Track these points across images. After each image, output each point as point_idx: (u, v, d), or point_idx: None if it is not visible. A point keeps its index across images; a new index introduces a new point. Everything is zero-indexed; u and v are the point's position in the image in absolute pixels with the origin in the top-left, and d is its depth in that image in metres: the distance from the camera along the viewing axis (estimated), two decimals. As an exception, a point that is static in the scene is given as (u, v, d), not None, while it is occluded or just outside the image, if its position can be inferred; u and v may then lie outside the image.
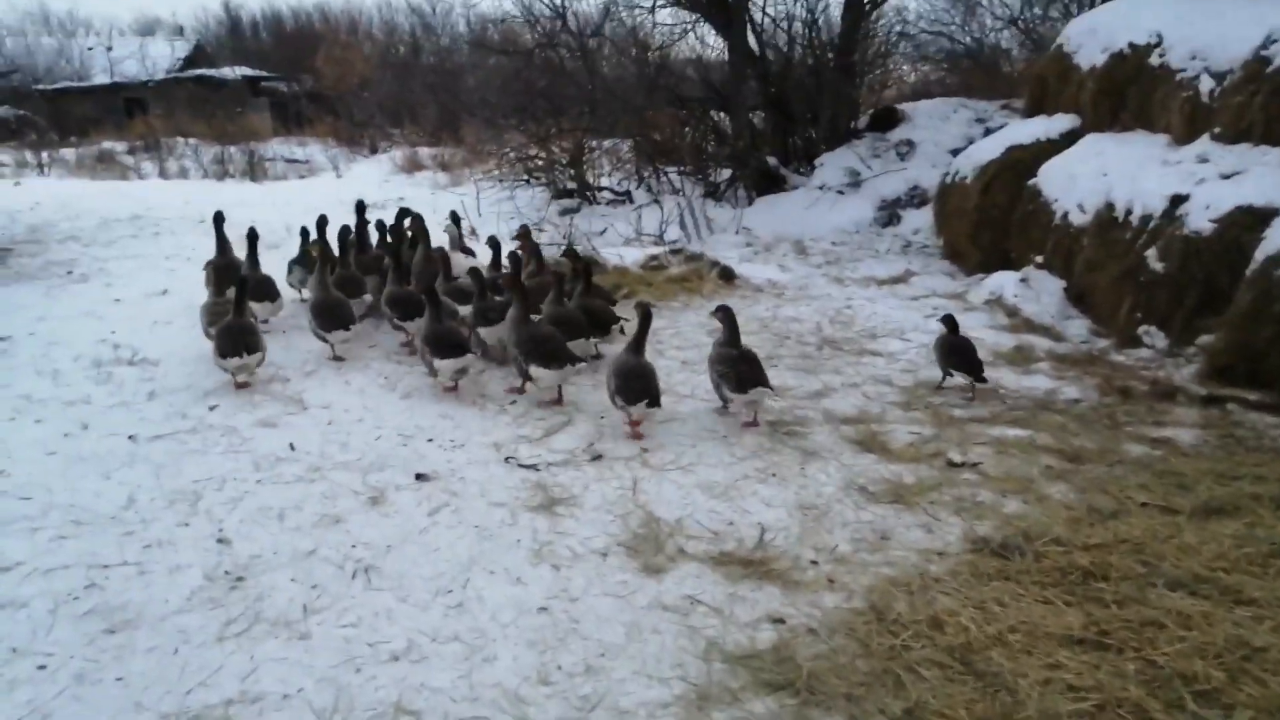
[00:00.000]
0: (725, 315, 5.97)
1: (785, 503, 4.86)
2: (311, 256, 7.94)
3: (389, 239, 8.61)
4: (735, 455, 5.49)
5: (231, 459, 5.36)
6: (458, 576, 4.15)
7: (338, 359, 7.17)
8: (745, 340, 6.04)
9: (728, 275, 10.01)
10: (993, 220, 9.90)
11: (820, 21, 14.62)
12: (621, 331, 7.59)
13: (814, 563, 4.25)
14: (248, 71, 36.72)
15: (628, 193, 13.93)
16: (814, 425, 5.98)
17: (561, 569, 4.22)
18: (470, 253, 9.24)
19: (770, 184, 14.15)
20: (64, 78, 38.93)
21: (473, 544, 4.44)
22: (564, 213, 13.54)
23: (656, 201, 13.49)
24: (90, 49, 43.32)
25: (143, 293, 9.23)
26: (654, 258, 10.77)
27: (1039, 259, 8.91)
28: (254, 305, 7.34)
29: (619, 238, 12.08)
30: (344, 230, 8.68)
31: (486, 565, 4.25)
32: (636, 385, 5.58)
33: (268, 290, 7.73)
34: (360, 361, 7.18)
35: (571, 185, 14.76)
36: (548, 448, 5.62)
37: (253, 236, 7.95)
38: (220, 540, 4.43)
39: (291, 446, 5.53)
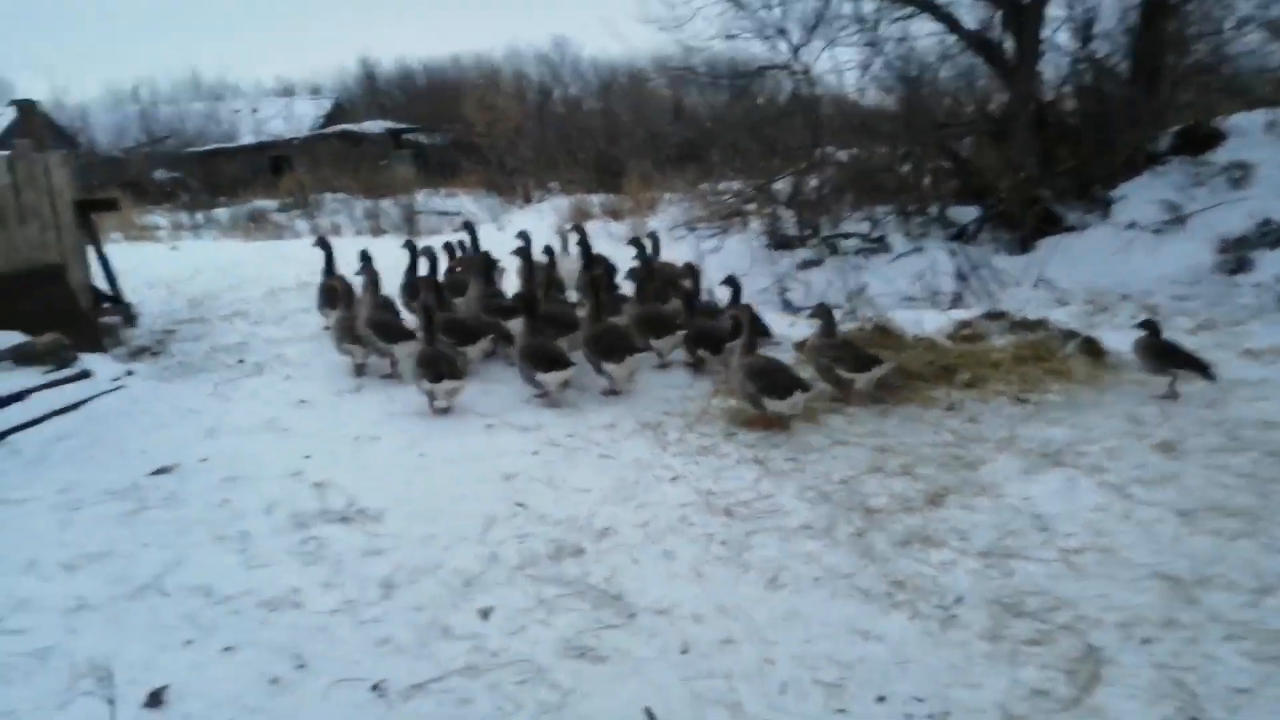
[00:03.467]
0: (824, 312, 6.56)
1: None
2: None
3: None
4: None
5: (556, 749, 3.00)
6: None
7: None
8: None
9: (1093, 349, 7.27)
10: None
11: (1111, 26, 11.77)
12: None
13: None
14: (390, 124, 36.17)
15: (881, 238, 11.34)
16: None
17: None
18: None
19: (1044, 224, 11.35)
20: (213, 140, 39.35)
21: None
22: (804, 265, 11.05)
23: (918, 249, 10.87)
24: (237, 111, 44.14)
25: (332, 389, 7.15)
26: (965, 324, 8.15)
27: None
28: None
29: (893, 294, 9.53)
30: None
31: None
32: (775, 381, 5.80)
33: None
34: (669, 505, 4.77)
35: (792, 232, 12.30)
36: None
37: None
38: None
39: (651, 716, 3.14)
